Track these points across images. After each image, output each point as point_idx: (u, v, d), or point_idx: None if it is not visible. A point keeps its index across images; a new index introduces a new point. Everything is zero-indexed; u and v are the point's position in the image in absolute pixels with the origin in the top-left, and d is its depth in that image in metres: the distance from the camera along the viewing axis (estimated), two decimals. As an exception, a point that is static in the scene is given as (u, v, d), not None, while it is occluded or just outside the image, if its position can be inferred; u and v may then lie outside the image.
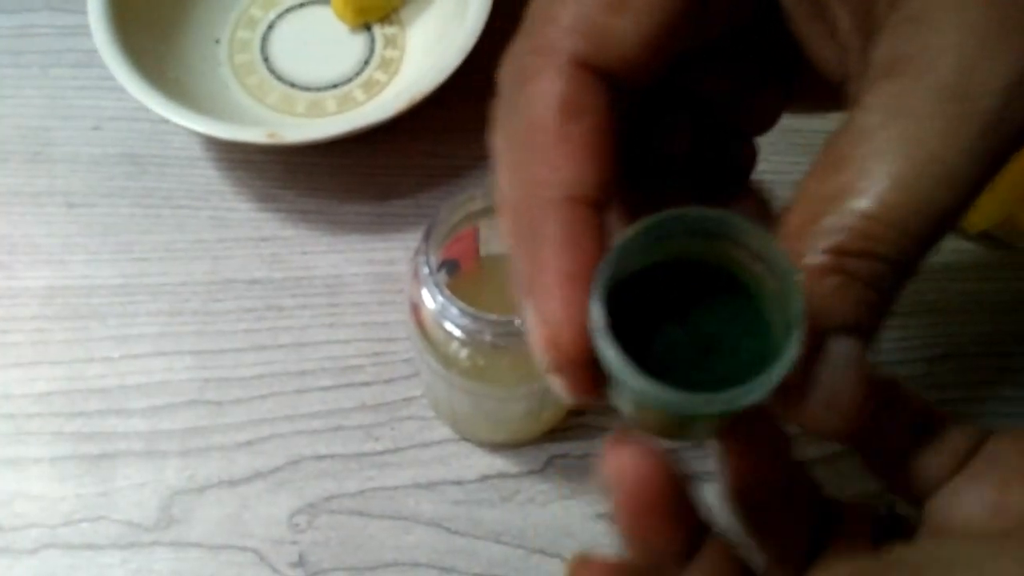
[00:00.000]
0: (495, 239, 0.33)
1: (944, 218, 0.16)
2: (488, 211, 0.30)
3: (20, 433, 0.37)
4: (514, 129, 0.19)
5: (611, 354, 0.16)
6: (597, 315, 0.16)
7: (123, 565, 0.34)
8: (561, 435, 0.37)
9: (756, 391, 0.15)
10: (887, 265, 0.16)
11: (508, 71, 0.20)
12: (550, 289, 0.17)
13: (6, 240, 0.41)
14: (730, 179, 0.23)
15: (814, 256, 0.16)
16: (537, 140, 0.18)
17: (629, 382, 0.16)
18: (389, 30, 0.46)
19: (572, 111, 0.18)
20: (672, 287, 0.17)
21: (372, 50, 0.46)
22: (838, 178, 0.16)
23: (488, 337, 0.28)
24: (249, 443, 0.37)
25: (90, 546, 0.35)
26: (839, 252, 0.16)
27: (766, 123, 0.23)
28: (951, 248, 0.41)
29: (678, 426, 0.18)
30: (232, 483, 0.36)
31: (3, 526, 0.35)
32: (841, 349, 0.16)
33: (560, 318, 0.17)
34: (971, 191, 0.16)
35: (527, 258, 0.18)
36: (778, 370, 0.15)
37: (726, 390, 0.15)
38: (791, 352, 0.15)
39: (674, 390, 0.15)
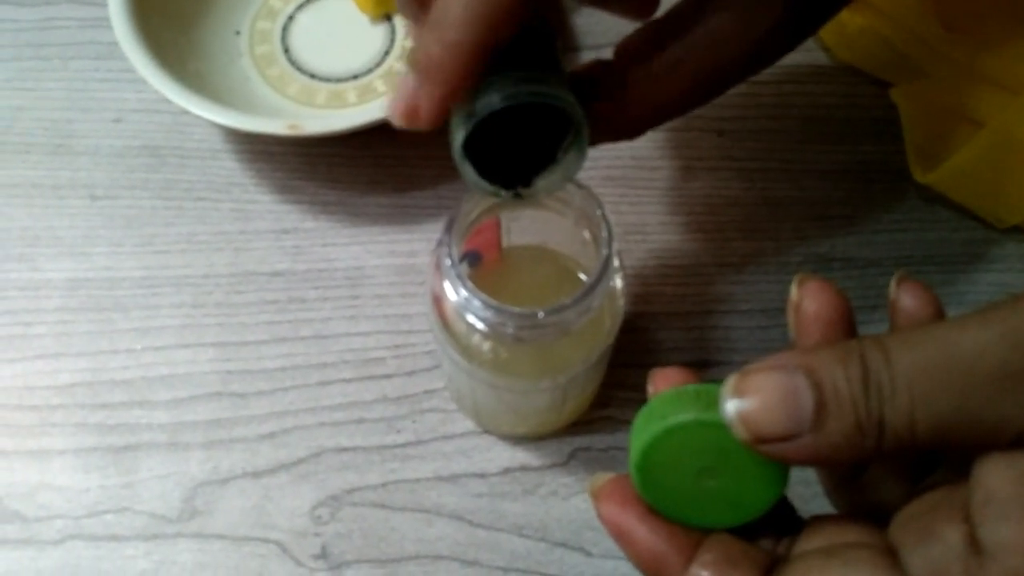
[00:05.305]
0: (517, 230, 0.33)
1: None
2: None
3: (44, 425, 0.37)
4: None
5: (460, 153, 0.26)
6: (458, 139, 0.25)
7: (147, 556, 0.35)
8: (584, 428, 0.37)
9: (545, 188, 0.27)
10: None
11: None
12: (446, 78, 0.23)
13: (29, 232, 0.41)
14: None
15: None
16: None
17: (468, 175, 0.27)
18: (409, 20, 0.46)
19: None
20: (527, 120, 0.25)
21: (393, 40, 0.46)
22: None
23: (511, 330, 0.28)
24: (272, 435, 0.37)
25: (114, 537, 0.35)
26: None
27: None
28: (982, 239, 0.41)
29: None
30: (255, 475, 0.36)
31: (28, 517, 0.35)
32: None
33: (437, 107, 0.24)
34: None
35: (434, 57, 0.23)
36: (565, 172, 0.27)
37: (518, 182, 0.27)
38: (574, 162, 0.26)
39: (487, 182, 0.27)
